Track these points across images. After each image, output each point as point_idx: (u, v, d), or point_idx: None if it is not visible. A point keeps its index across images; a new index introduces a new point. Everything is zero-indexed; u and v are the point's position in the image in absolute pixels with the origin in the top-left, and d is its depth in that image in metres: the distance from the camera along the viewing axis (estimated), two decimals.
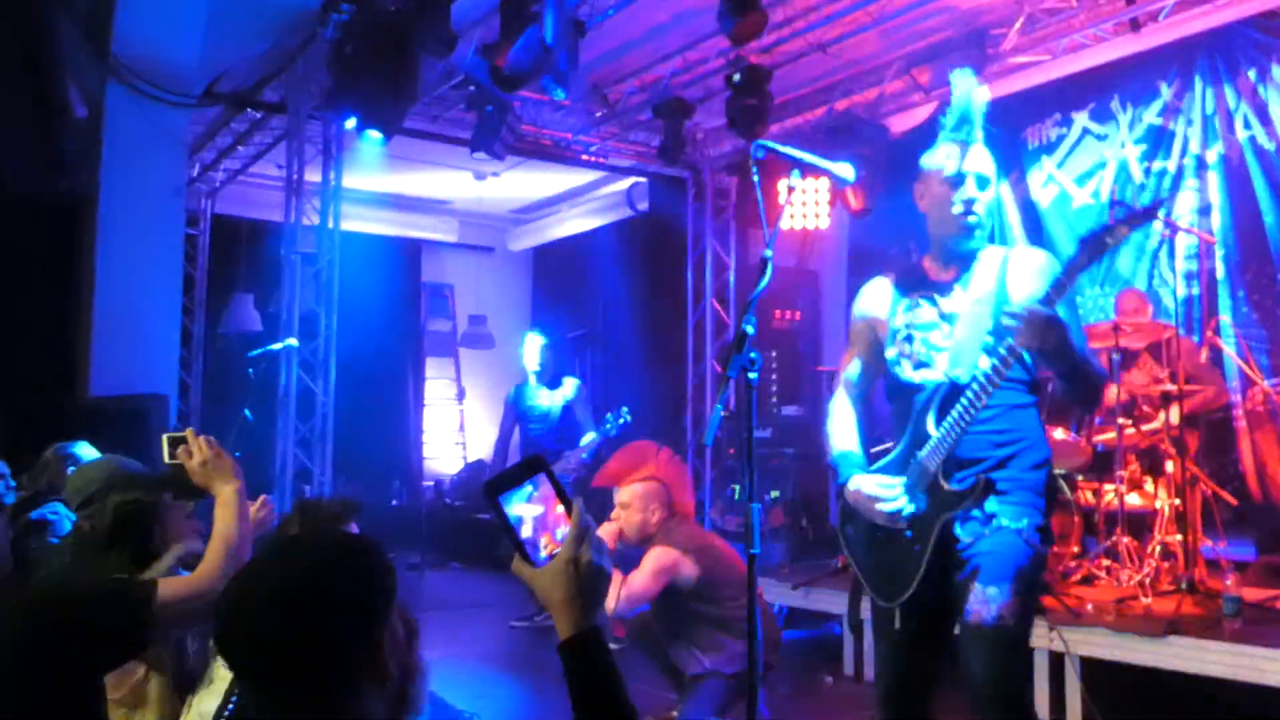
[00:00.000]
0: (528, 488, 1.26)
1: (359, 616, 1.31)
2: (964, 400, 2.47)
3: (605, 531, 4.06)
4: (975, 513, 2.50)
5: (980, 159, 2.65)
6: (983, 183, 2.63)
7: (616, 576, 3.84)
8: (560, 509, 1.45)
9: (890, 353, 2.72)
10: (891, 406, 2.76)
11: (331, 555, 1.38)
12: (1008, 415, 2.56)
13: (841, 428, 2.79)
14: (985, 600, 2.43)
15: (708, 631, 3.98)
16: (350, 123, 6.36)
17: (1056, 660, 4.41)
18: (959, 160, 2.62)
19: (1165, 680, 4.15)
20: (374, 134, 6.32)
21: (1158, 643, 4.11)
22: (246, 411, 5.78)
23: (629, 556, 4.06)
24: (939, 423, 2.53)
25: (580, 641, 1.37)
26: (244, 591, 1.33)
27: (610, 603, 3.76)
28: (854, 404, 2.83)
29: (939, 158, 2.66)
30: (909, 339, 2.68)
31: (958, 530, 2.52)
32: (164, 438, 2.42)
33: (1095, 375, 2.57)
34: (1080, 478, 5.26)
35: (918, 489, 2.56)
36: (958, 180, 2.61)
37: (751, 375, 2.29)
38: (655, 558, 3.96)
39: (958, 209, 2.61)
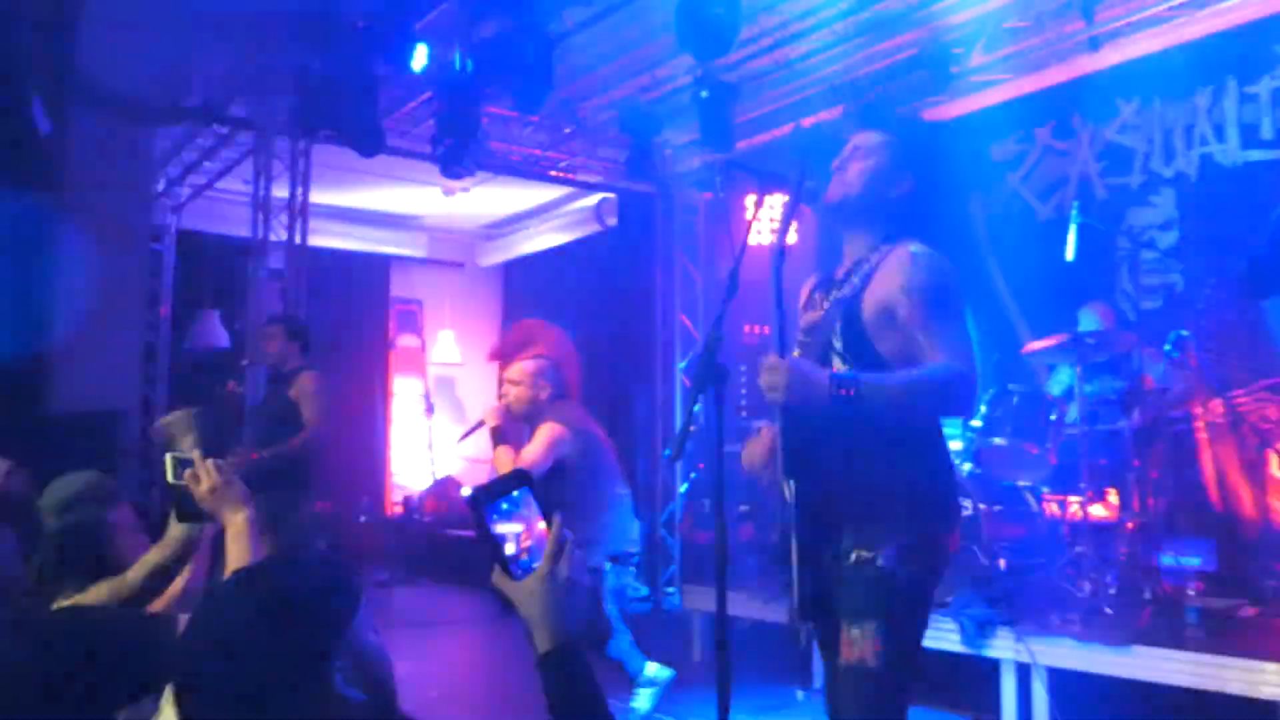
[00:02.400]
0: (511, 501, 1.24)
1: (314, 643, 1.28)
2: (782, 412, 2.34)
3: (490, 410, 4.26)
4: (839, 538, 2.35)
5: (858, 136, 2.58)
6: (856, 151, 2.55)
7: (507, 451, 4.12)
8: (541, 525, 1.44)
9: (795, 355, 2.54)
10: None
11: (284, 585, 1.35)
12: (867, 425, 2.31)
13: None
14: (848, 642, 2.29)
15: (575, 517, 4.13)
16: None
17: (1024, 671, 4.44)
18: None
19: (1130, 690, 4.19)
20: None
21: (1122, 652, 4.16)
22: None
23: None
24: (781, 433, 2.39)
25: (557, 656, 1.36)
26: (199, 629, 1.30)
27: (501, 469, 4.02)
28: None
29: None
30: (801, 343, 2.57)
31: (825, 555, 2.37)
32: (168, 457, 2.32)
33: (930, 395, 2.31)
34: (1044, 489, 5.32)
35: (781, 505, 2.41)
36: (839, 156, 2.58)
37: (719, 390, 2.30)
38: (548, 431, 4.15)
39: (832, 181, 2.55)
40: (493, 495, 1.41)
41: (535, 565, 1.40)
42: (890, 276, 2.39)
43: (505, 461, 4.08)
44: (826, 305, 2.51)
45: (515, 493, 1.43)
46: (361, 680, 1.34)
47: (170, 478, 2.29)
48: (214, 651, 1.26)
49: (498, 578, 1.41)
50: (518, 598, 1.39)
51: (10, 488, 3.90)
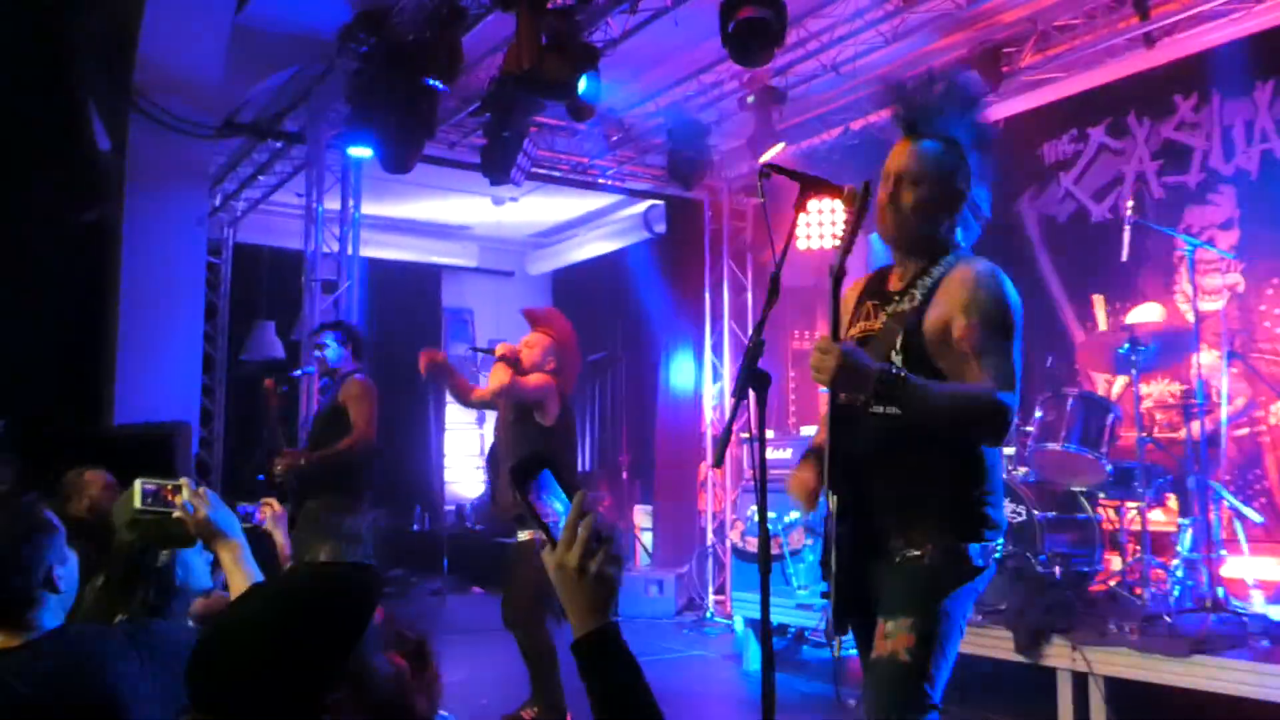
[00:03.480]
0: (542, 480, 1.20)
1: (300, 673, 1.21)
2: (832, 416, 2.36)
3: (506, 345, 4.78)
4: (886, 540, 2.35)
5: (904, 157, 2.47)
6: (902, 180, 2.45)
7: (504, 369, 4.62)
8: (559, 506, 1.40)
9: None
10: None
11: (280, 607, 1.28)
12: (917, 439, 2.31)
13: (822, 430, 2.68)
14: (882, 635, 2.30)
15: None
16: (363, 151, 6.44)
17: (1080, 680, 4.36)
18: (892, 160, 2.49)
19: (1191, 700, 4.09)
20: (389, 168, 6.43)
21: (1183, 662, 4.06)
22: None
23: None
24: (830, 436, 2.39)
25: (588, 643, 1.33)
26: (202, 650, 1.26)
27: (494, 385, 4.63)
28: None
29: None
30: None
31: (870, 559, 2.37)
32: (136, 483, 2.17)
33: (969, 416, 2.28)
34: (1101, 495, 5.22)
35: (827, 513, 2.41)
36: (885, 179, 2.49)
37: (761, 395, 2.28)
38: (543, 378, 4.70)
39: (880, 210, 2.47)
40: (527, 473, 1.39)
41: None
42: (952, 293, 2.36)
43: (499, 376, 4.60)
44: (884, 317, 2.47)
45: (540, 473, 1.39)
46: (364, 708, 1.28)
47: (137, 503, 2.17)
48: (204, 679, 1.24)
49: (546, 554, 1.37)
50: (552, 577, 1.36)
51: (103, 503, 3.83)
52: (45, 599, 1.98)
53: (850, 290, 2.67)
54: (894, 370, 2.20)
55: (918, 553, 2.31)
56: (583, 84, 5.57)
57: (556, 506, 1.38)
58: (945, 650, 2.31)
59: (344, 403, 5.40)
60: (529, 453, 1.41)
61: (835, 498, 2.36)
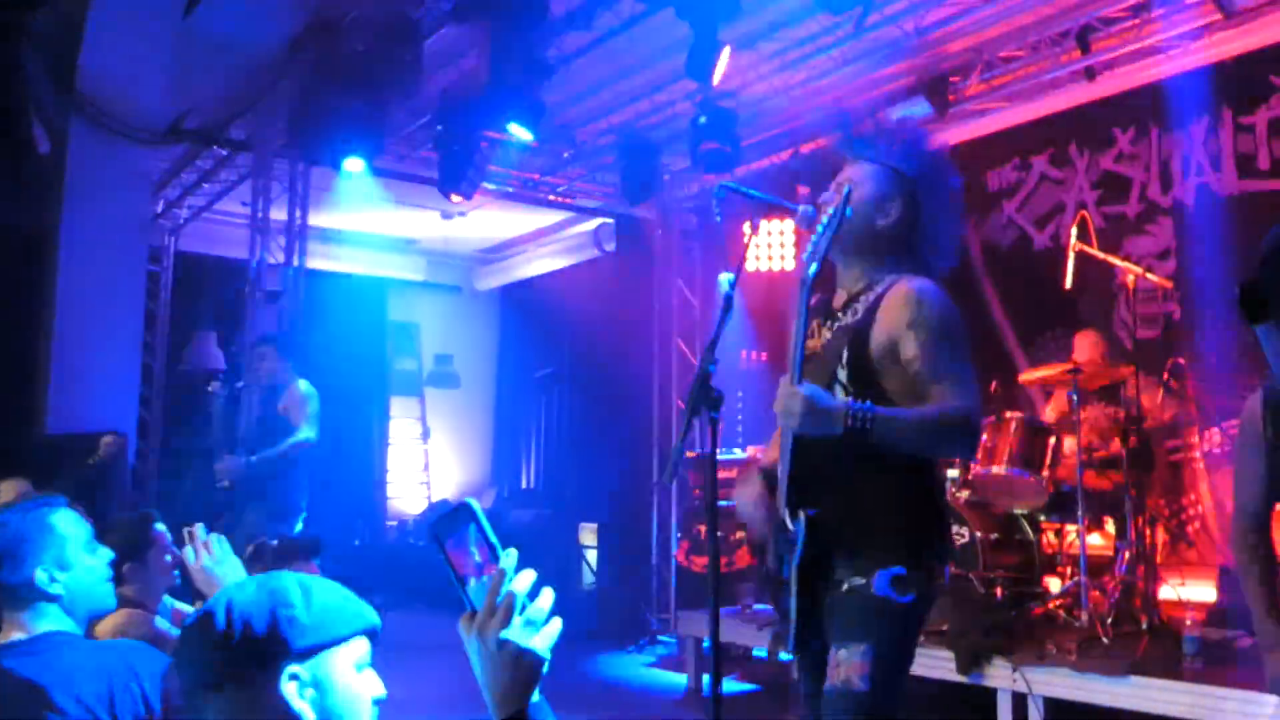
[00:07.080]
0: (467, 534, 1.05)
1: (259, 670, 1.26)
2: (792, 439, 2.33)
3: None
4: (833, 566, 2.34)
5: (848, 169, 2.53)
6: (839, 187, 2.48)
7: None
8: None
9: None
10: None
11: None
12: (863, 455, 2.28)
13: (771, 449, 2.67)
14: (835, 664, 2.27)
15: None
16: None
17: (1020, 701, 4.41)
18: (841, 175, 2.53)
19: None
20: (353, 163, 6.35)
21: (1119, 683, 4.13)
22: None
23: None
24: (786, 461, 2.38)
25: None
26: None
27: None
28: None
29: None
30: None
31: (820, 584, 2.36)
32: (186, 531, 2.34)
33: (939, 436, 2.31)
34: (1041, 518, 5.30)
35: (779, 534, 2.41)
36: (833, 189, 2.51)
37: (714, 414, 2.28)
38: None
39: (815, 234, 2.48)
40: (451, 528, 1.23)
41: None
42: (894, 311, 2.36)
43: None
44: (827, 334, 2.48)
45: (465, 526, 1.22)
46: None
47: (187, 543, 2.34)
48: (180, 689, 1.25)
49: (464, 622, 1.21)
50: (469, 650, 1.20)
51: None
52: None
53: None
54: (863, 409, 2.20)
55: (863, 581, 2.30)
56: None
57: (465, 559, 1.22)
58: (898, 677, 2.32)
59: (285, 410, 5.38)
60: (454, 503, 1.26)
61: (792, 516, 2.35)
